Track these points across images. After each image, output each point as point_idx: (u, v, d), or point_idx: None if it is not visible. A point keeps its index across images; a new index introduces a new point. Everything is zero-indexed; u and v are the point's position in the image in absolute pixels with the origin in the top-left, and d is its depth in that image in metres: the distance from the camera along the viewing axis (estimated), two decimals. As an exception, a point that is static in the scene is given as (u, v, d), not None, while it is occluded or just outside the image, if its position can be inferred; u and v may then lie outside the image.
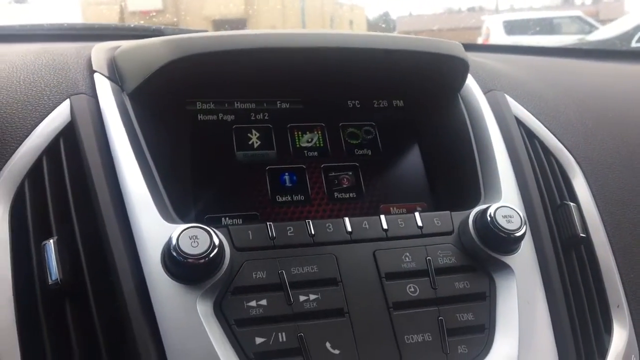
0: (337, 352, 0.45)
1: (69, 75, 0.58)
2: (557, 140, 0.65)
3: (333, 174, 0.61)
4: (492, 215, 0.50)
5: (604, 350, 0.53)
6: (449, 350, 0.46)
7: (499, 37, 5.49)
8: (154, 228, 0.47)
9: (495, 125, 0.62)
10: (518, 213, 0.50)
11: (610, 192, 0.64)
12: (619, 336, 0.55)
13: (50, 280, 0.45)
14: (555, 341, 0.49)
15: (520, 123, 0.65)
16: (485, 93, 0.66)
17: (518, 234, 0.50)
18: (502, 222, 0.50)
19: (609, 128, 0.72)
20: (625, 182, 0.65)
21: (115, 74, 0.59)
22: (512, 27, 5.58)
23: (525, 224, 0.50)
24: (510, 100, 0.66)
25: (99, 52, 0.62)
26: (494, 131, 0.61)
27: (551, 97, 0.73)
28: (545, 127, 0.66)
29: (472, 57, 0.68)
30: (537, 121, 0.66)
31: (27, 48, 0.70)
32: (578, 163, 0.64)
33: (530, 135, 0.65)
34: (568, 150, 0.65)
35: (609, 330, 0.55)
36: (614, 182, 0.65)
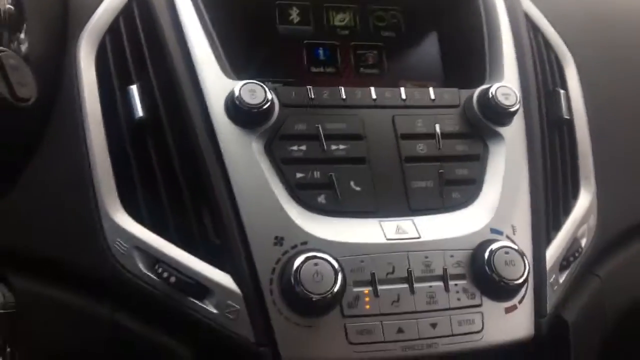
0: (358, 189, 0.57)
1: None
2: (557, 36, 0.74)
3: (360, 51, 0.70)
4: (494, 92, 0.60)
5: (569, 209, 0.66)
6: (445, 195, 0.59)
7: None
8: (217, 81, 0.57)
9: (507, 18, 0.70)
10: (515, 92, 0.61)
11: (595, 85, 0.73)
12: (584, 200, 0.67)
13: (135, 117, 0.57)
14: (529, 197, 0.61)
15: (528, 18, 0.73)
16: None
17: (513, 109, 0.60)
18: (501, 98, 0.60)
19: (611, 31, 0.80)
20: (613, 78, 0.75)
21: None
22: None
23: (519, 102, 0.61)
24: None
25: None
26: (505, 24, 0.69)
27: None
28: (550, 23, 0.75)
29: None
30: (543, 18, 0.74)
31: None
32: (573, 57, 0.74)
33: (535, 29, 0.73)
34: (566, 45, 0.74)
35: (576, 196, 0.67)
36: (603, 77, 0.74)
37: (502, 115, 0.61)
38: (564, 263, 0.62)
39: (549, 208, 0.64)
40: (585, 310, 0.64)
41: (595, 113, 0.72)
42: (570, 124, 0.70)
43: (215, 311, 0.53)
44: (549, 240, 0.62)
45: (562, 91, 0.69)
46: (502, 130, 0.62)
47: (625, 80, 0.77)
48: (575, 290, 0.64)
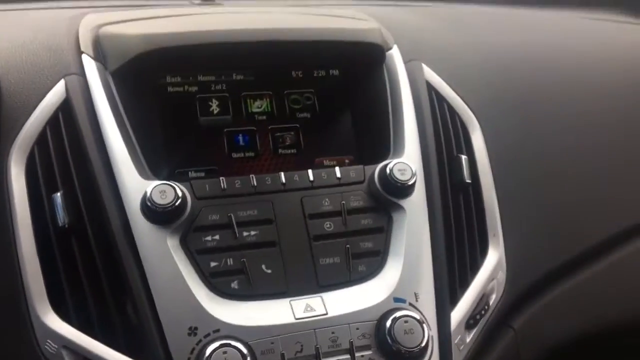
0: (269, 271, 0.62)
1: (63, 56, 0.72)
2: (462, 102, 0.80)
3: (278, 133, 0.76)
4: (391, 168, 0.66)
5: (476, 267, 0.71)
6: (352, 269, 0.64)
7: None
8: (133, 184, 0.62)
9: (409, 92, 0.76)
10: (410, 167, 0.66)
11: (501, 146, 0.79)
12: (492, 257, 0.72)
13: (59, 224, 0.62)
14: (432, 262, 0.66)
15: (432, 88, 0.79)
16: (405, 63, 0.79)
17: (409, 183, 0.66)
18: (398, 174, 0.66)
19: (517, 94, 0.87)
20: (515, 138, 0.81)
21: (100, 54, 0.72)
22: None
23: (414, 176, 0.66)
24: (425, 69, 0.80)
25: (86, 30, 0.75)
26: (407, 98, 0.75)
27: (465, 61, 0.87)
28: (454, 90, 0.81)
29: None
30: (447, 86, 0.80)
31: (20, 20, 0.84)
32: (478, 120, 0.80)
33: (440, 98, 0.79)
34: (471, 110, 0.80)
35: (484, 254, 0.72)
36: (506, 138, 0.80)
37: (401, 189, 0.66)
38: (470, 322, 0.67)
39: (454, 269, 0.68)
40: (499, 363, 0.69)
41: (502, 173, 0.78)
42: (475, 186, 0.75)
43: None
44: (455, 301, 0.67)
45: (463, 157, 0.75)
46: (403, 202, 0.67)
47: (530, 139, 0.82)
48: (489, 344, 0.69)
